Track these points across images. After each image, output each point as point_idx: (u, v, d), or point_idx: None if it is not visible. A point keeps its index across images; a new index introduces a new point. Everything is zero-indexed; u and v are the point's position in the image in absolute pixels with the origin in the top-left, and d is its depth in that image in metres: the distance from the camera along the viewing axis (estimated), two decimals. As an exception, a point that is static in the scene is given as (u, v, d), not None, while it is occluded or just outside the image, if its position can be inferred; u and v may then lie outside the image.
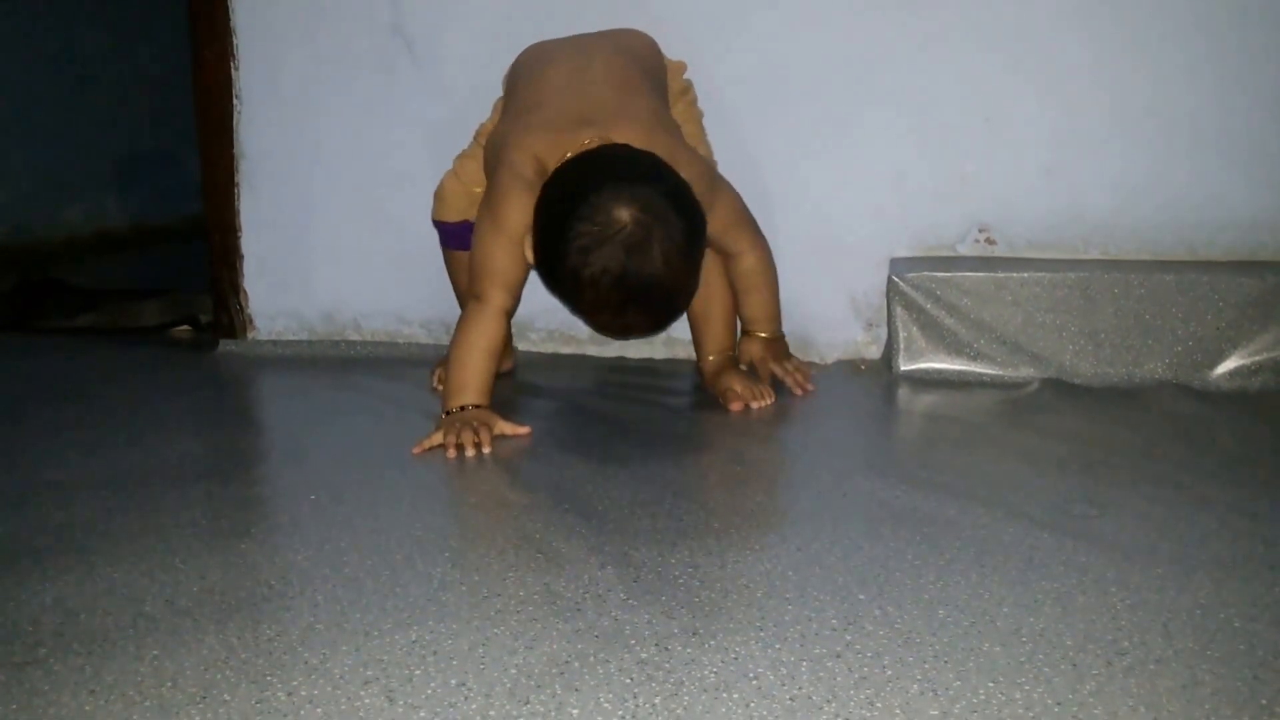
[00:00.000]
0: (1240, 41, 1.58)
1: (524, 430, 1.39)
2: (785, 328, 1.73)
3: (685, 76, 1.62)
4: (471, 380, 1.42)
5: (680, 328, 1.74)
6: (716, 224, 1.43)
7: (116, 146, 3.53)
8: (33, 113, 3.21)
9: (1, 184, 3.10)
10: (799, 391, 1.55)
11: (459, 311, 1.69)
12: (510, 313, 1.47)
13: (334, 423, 1.48)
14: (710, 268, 1.53)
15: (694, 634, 0.86)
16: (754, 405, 1.50)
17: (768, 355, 1.60)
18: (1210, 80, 1.60)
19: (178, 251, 3.15)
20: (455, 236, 1.61)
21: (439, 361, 1.64)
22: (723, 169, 1.58)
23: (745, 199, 1.62)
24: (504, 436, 1.38)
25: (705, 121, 1.63)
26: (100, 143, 3.47)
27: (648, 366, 1.76)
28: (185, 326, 2.07)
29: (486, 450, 1.33)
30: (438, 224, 1.63)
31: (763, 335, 1.61)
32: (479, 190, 1.54)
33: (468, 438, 1.34)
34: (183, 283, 2.33)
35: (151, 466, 1.29)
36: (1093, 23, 1.61)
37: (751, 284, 1.57)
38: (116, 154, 3.53)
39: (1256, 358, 1.55)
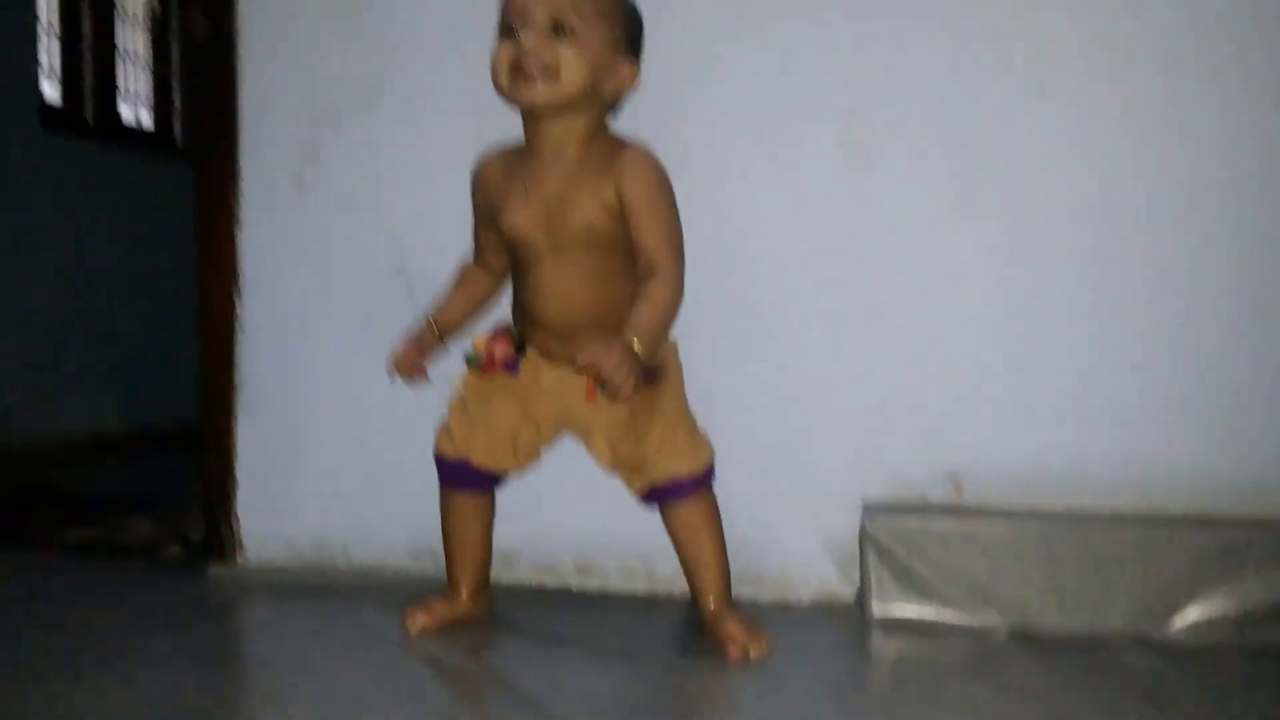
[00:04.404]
0: (1194, 313, 1.70)
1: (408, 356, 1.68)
2: (761, 567, 1.79)
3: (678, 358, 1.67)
4: (440, 301, 1.72)
5: (663, 565, 1.80)
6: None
7: (115, 350, 3.63)
8: (34, 315, 3.32)
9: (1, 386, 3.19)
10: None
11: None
12: (487, 265, 1.70)
13: (319, 661, 1.51)
14: (699, 518, 1.60)
15: None
16: (753, 654, 1.53)
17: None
18: (1169, 347, 1.71)
19: (172, 458, 3.20)
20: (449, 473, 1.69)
21: (415, 603, 1.68)
22: (701, 411, 1.67)
23: (725, 441, 1.70)
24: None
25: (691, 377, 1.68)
26: (100, 346, 3.57)
27: (629, 603, 1.80)
28: (176, 546, 2.12)
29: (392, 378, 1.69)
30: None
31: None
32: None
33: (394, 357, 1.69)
34: (176, 491, 2.38)
35: (138, 706, 1.32)
36: (1059, 290, 1.73)
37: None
38: (115, 358, 3.63)
39: (1213, 612, 1.60)
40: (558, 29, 1.51)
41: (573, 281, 1.56)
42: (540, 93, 1.51)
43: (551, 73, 1.50)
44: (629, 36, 1.60)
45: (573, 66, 1.51)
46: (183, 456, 2.49)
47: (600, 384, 1.41)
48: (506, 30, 1.54)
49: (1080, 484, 1.74)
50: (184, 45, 3.91)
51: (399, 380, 1.68)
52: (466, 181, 1.69)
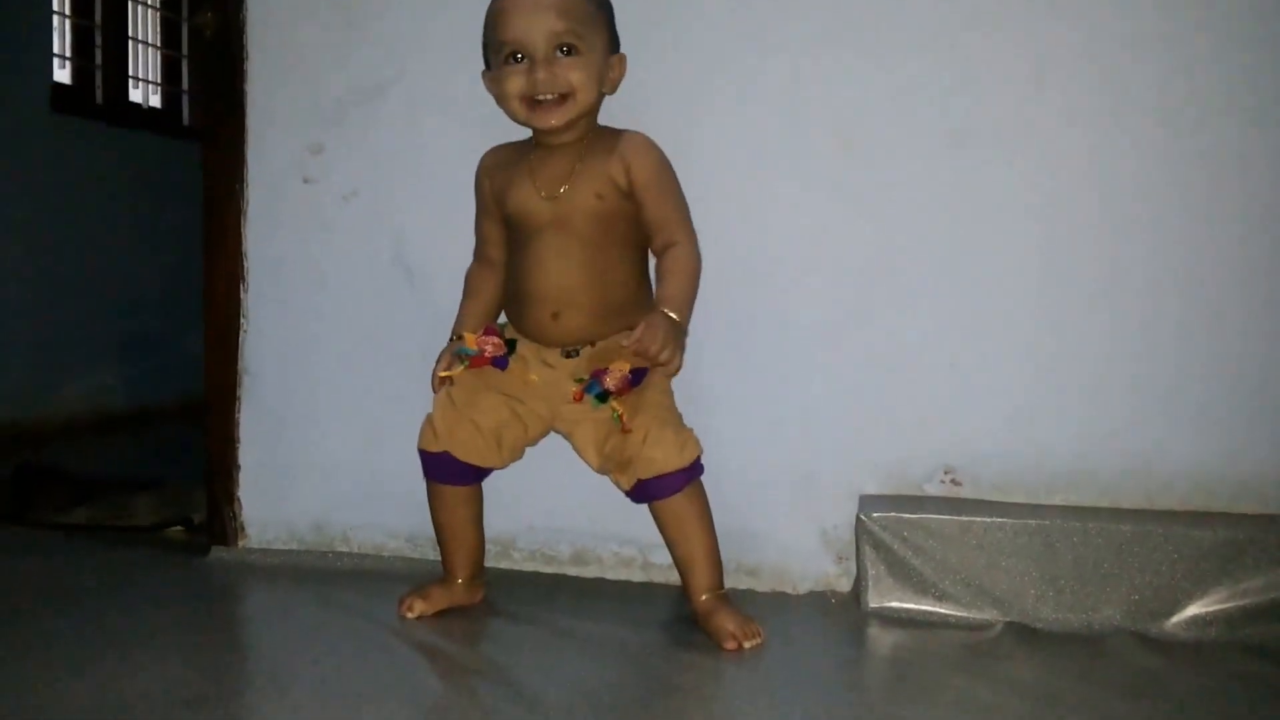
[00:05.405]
0: (1193, 311, 1.69)
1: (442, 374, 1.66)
2: (758, 559, 1.80)
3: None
4: (459, 316, 1.71)
5: (659, 554, 1.80)
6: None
7: (120, 327, 3.64)
8: (40, 293, 3.32)
9: (5, 364, 3.20)
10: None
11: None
12: (489, 260, 1.71)
13: (317, 647, 1.52)
14: (687, 513, 1.60)
15: None
16: (747, 645, 1.54)
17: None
18: (1168, 344, 1.70)
19: (175, 434, 3.21)
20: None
21: (411, 590, 1.70)
22: (702, 403, 1.69)
23: (723, 434, 1.71)
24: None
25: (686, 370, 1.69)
26: (105, 324, 3.58)
27: (623, 592, 1.81)
28: (179, 526, 2.13)
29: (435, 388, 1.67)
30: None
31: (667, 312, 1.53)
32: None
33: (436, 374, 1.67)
34: (179, 468, 2.39)
35: (138, 691, 1.33)
36: (1056, 283, 1.72)
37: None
38: (119, 334, 3.64)
39: (1210, 609, 1.60)
40: (561, 50, 1.56)
41: (572, 253, 1.60)
42: (558, 116, 1.58)
43: (567, 97, 1.57)
44: (613, 31, 1.65)
45: (585, 86, 1.58)
46: (186, 431, 2.50)
47: (648, 360, 1.50)
48: (508, 57, 1.58)
49: (1078, 479, 1.74)
50: (194, 39, 3.91)
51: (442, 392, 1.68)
52: (467, 177, 1.71)
